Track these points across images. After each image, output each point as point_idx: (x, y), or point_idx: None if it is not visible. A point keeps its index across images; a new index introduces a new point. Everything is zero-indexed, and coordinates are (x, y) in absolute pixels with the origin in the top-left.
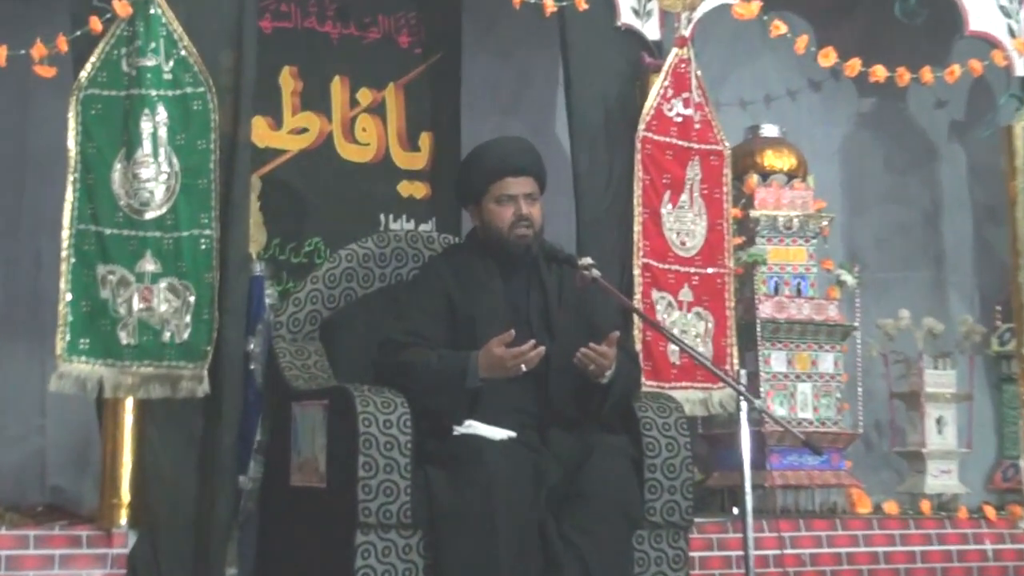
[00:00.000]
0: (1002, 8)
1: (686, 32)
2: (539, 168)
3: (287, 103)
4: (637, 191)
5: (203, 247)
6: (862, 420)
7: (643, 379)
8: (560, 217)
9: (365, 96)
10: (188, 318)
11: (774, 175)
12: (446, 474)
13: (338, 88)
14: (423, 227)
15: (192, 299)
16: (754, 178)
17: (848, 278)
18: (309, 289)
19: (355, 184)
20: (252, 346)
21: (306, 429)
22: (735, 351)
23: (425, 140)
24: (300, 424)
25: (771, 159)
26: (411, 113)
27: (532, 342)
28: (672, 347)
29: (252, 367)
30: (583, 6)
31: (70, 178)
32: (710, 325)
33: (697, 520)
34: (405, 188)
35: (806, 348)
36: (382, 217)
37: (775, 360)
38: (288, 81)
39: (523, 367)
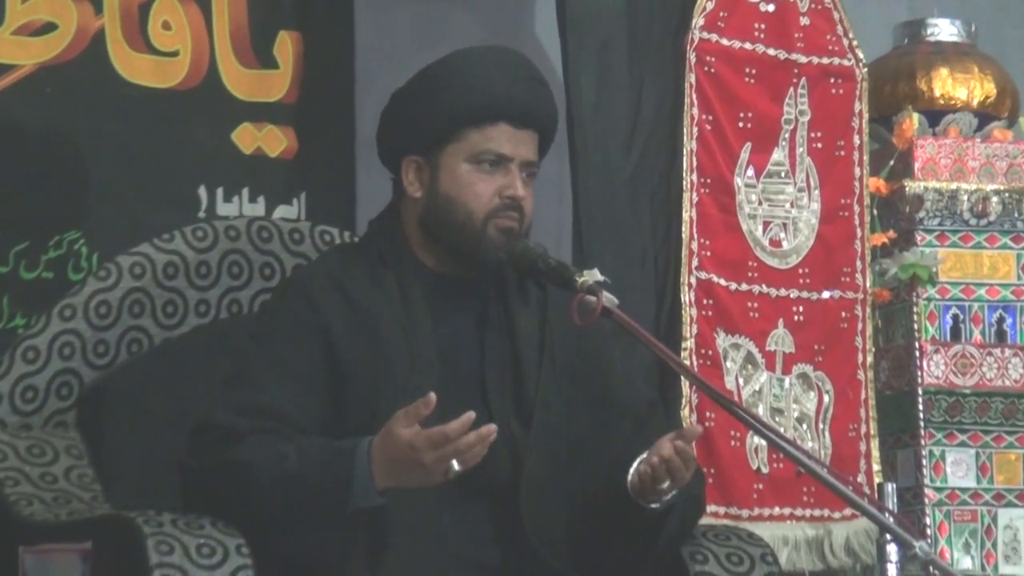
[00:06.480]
0: None
1: None
2: (552, 119)
3: None
4: (689, 144)
5: None
6: None
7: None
8: (543, 192)
9: None
10: None
11: (953, 115)
12: None
13: None
14: (282, 212)
15: None
16: (913, 120)
17: None
18: (58, 331)
19: (149, 129)
20: None
21: None
22: (876, 448)
23: (285, 46)
24: None
25: (947, 85)
26: None
27: (470, 414)
28: (755, 441)
29: None
30: None
31: None
32: (828, 399)
33: None
34: (248, 137)
35: (1016, 443)
36: (202, 193)
37: (954, 465)
38: None
39: (455, 465)
